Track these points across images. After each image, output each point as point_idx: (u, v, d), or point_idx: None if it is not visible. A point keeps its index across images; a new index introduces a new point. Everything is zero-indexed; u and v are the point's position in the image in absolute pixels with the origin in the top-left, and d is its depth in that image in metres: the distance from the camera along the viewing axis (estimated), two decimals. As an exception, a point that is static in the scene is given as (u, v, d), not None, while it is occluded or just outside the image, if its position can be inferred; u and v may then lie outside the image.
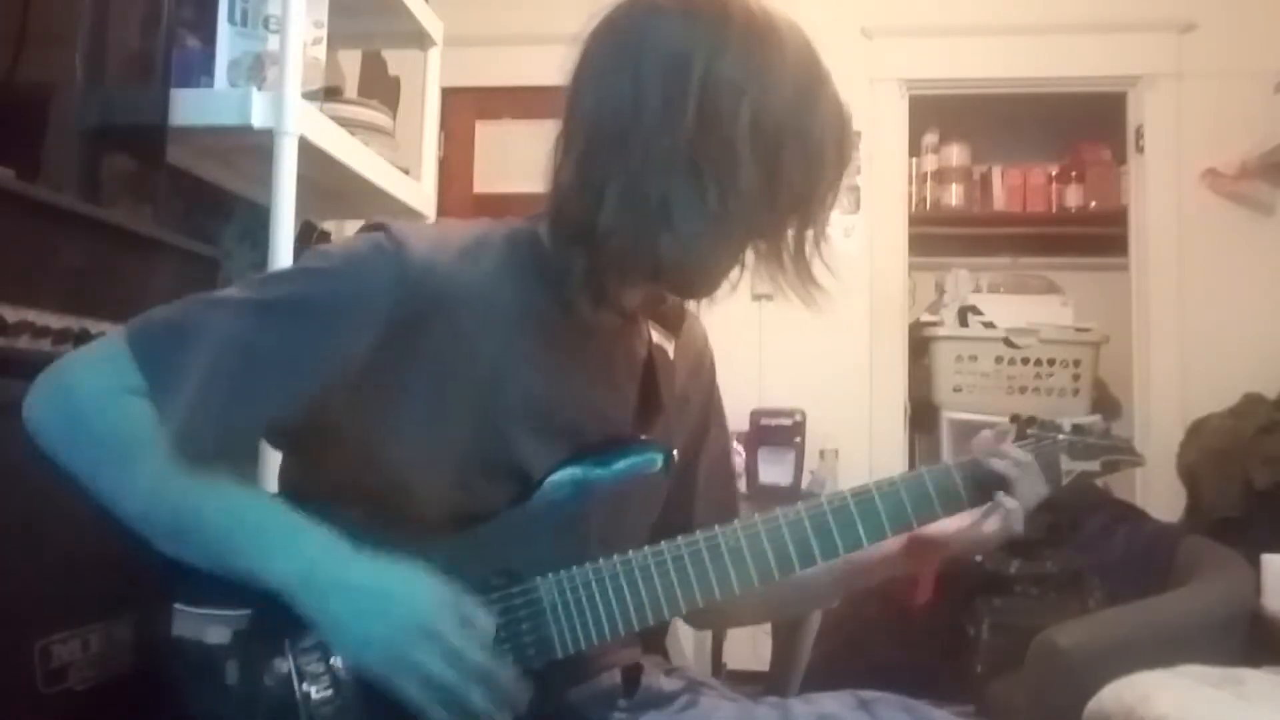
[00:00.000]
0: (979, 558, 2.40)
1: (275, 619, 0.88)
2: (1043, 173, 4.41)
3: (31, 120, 1.30)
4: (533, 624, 0.94)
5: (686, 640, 2.42)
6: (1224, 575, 2.24)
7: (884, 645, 2.10)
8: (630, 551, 0.97)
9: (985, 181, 4.45)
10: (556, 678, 0.96)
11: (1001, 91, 3.73)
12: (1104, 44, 3.45)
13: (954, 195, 4.38)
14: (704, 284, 0.99)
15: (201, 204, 1.76)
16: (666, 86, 0.89)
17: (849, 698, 0.99)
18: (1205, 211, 3.34)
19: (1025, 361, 3.36)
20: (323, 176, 1.67)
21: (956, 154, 4.39)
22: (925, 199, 4.38)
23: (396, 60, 2.47)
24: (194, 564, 0.88)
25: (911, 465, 2.72)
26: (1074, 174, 4.33)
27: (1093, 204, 4.27)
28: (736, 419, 3.33)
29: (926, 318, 3.57)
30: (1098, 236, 4.04)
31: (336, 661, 0.89)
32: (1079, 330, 3.41)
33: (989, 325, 3.41)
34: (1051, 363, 3.36)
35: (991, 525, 1.05)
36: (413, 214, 2.02)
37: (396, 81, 2.49)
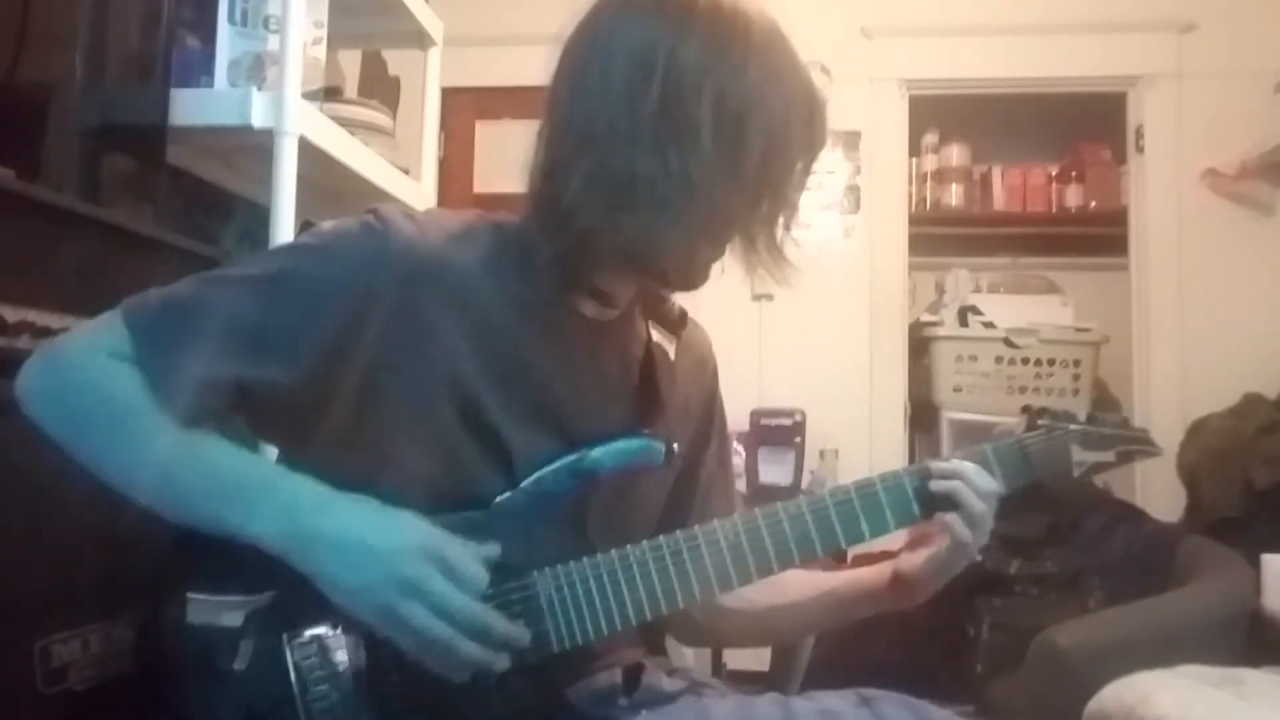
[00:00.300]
0: (979, 557, 2.40)
1: (284, 602, 0.89)
2: (1043, 173, 4.41)
3: (31, 120, 1.30)
4: (529, 619, 0.94)
5: (686, 640, 2.42)
6: (1224, 575, 2.24)
7: (884, 645, 2.10)
8: (629, 547, 0.97)
9: (985, 181, 4.45)
10: (555, 674, 0.96)
11: (1001, 91, 3.73)
12: (1104, 44, 3.45)
13: (954, 195, 4.38)
14: (677, 269, 0.99)
15: (201, 204, 1.76)
16: (631, 71, 0.92)
17: (851, 695, 0.99)
18: (1205, 211, 3.34)
19: (1025, 361, 3.36)
20: (323, 176, 1.67)
21: (956, 154, 4.39)
22: (925, 199, 4.38)
23: (396, 60, 2.47)
24: (184, 523, 0.89)
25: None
26: (1074, 174, 4.33)
27: (1093, 204, 4.27)
28: (736, 419, 3.34)
29: (926, 318, 3.57)
30: (1098, 236, 4.05)
31: (337, 652, 0.89)
32: (1079, 330, 3.41)
33: (989, 325, 3.42)
34: (1051, 363, 3.37)
35: (944, 545, 1.03)
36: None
37: (396, 81, 2.49)
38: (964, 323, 3.45)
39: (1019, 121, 4.25)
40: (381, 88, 2.33)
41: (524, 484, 0.97)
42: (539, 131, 0.98)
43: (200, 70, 1.50)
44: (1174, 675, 1.78)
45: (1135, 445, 1.13)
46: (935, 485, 1.02)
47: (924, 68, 3.57)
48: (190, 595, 0.91)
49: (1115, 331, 3.45)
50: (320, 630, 0.90)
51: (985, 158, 4.45)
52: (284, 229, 1.44)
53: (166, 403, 0.89)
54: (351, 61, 2.35)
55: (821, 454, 3.23)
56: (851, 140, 3.49)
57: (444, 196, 2.84)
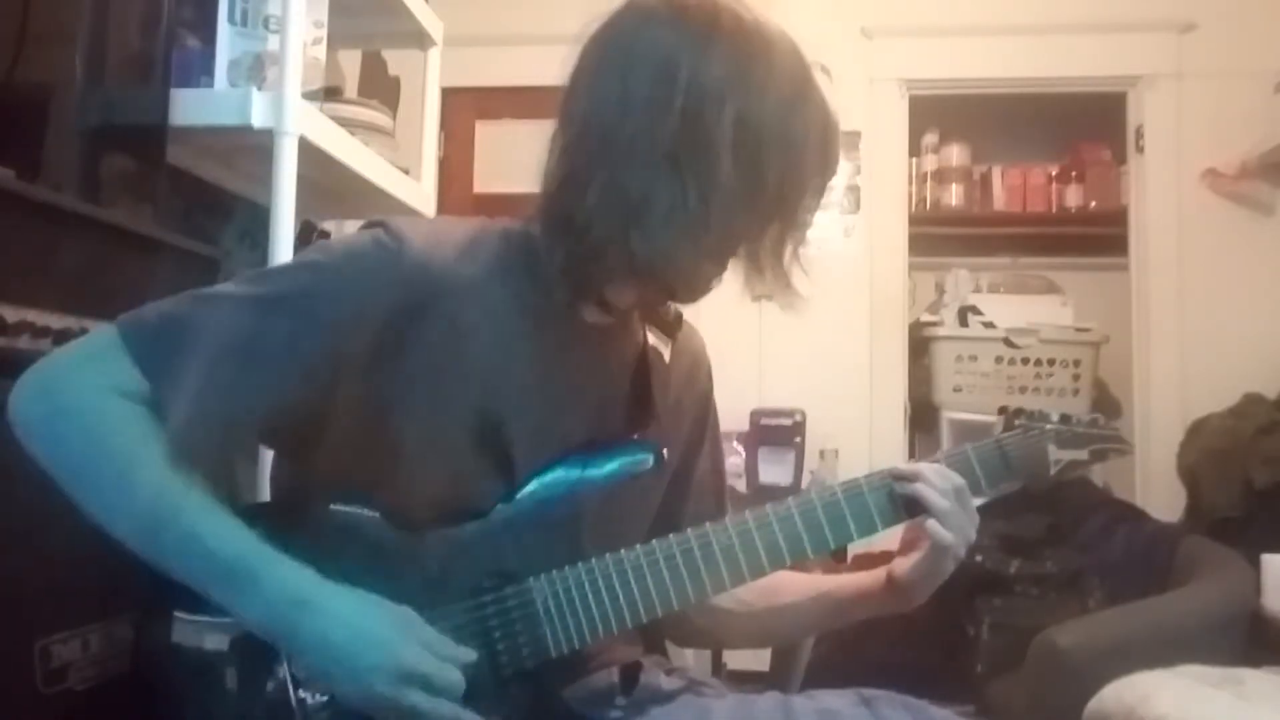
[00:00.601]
0: (979, 557, 2.40)
1: None
2: (1043, 173, 4.41)
3: (31, 120, 1.30)
4: (526, 624, 0.94)
5: (686, 640, 2.42)
6: (1224, 575, 2.24)
7: (884, 645, 2.10)
8: (623, 551, 0.97)
9: (985, 181, 4.45)
10: (552, 677, 0.96)
11: (1001, 91, 3.73)
12: (1104, 44, 3.45)
13: (954, 195, 4.38)
14: (683, 285, 0.99)
15: (201, 204, 1.76)
16: (653, 87, 0.91)
17: (851, 695, 1.00)
18: (1205, 211, 3.34)
19: (1025, 361, 3.36)
20: (323, 176, 1.67)
21: (956, 154, 4.39)
22: (925, 199, 4.38)
23: (396, 60, 2.47)
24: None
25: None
26: (1074, 174, 4.33)
27: (1093, 204, 4.27)
28: (737, 419, 3.36)
29: (926, 318, 3.57)
30: (1098, 236, 4.04)
31: None
32: (1079, 330, 3.41)
33: (989, 325, 3.42)
34: (1051, 363, 3.37)
35: (924, 549, 1.04)
36: (413, 214, 2.02)
37: (396, 81, 2.49)
38: (964, 323, 3.45)
39: (1019, 121, 4.25)
40: (381, 88, 2.33)
41: (521, 492, 0.97)
42: (553, 136, 0.97)
43: (200, 70, 1.50)
44: (1174, 675, 1.78)
45: (1107, 444, 1.16)
46: (898, 488, 1.03)
47: (924, 68, 3.56)
48: (176, 614, 0.90)
49: (1115, 331, 3.45)
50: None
51: (985, 158, 4.45)
52: (284, 229, 1.44)
53: (186, 442, 0.87)
54: (351, 61, 2.35)
55: (821, 454, 3.23)
56: (851, 140, 3.49)
57: (444, 196, 2.84)
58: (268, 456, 1.10)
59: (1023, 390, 3.34)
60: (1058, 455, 1.12)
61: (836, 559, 1.07)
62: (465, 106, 3.55)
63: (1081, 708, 1.79)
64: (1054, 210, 4.38)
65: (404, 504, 0.94)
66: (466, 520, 0.96)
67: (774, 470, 3.15)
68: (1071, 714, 1.80)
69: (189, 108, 1.47)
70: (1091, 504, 2.64)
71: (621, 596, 0.96)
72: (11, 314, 1.05)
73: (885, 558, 1.10)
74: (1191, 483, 2.79)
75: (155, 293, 1.12)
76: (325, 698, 0.89)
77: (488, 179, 3.63)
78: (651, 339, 1.09)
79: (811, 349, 3.39)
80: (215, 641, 0.90)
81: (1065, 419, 1.14)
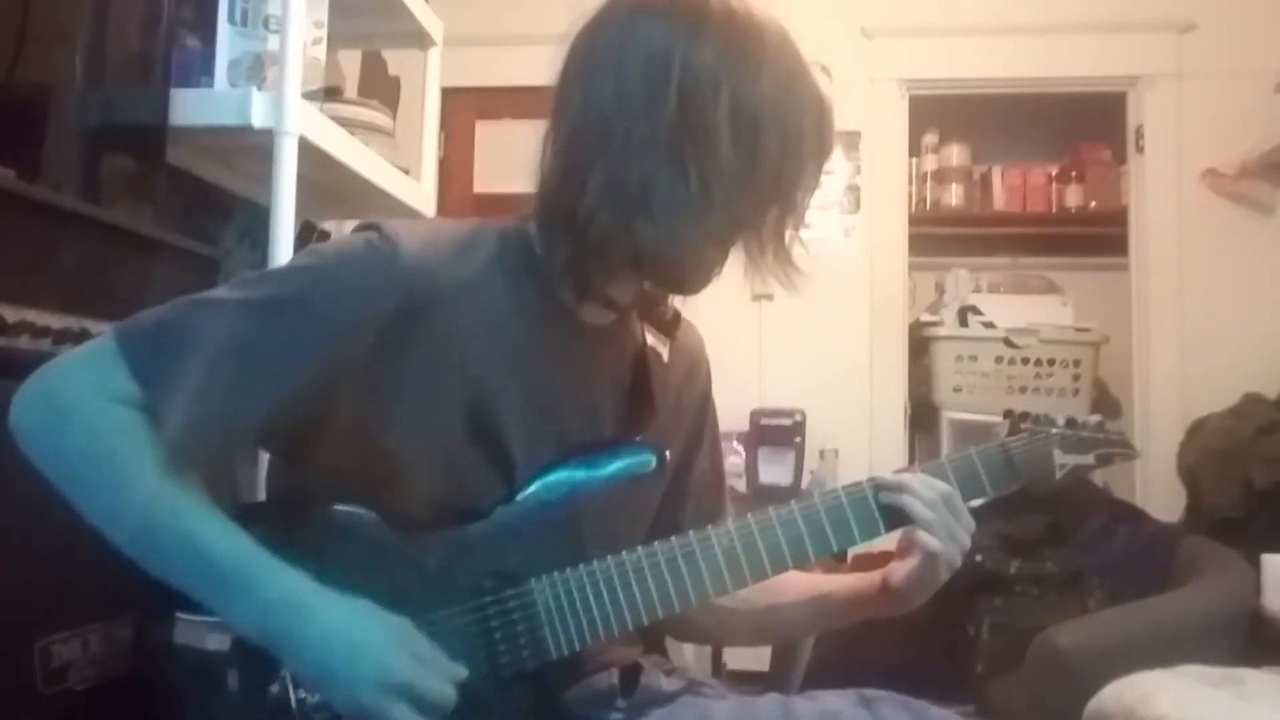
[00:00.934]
0: (979, 557, 2.40)
1: None
2: (1043, 173, 4.40)
3: (31, 120, 1.30)
4: (527, 626, 0.94)
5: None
6: (1224, 575, 2.24)
7: (884, 645, 2.10)
8: (624, 553, 0.97)
9: (985, 181, 4.45)
10: (553, 678, 0.96)
11: (1001, 91, 3.73)
12: (1104, 44, 3.45)
13: (954, 195, 4.38)
14: (687, 276, 0.99)
15: (201, 204, 1.76)
16: (647, 77, 0.91)
17: (852, 695, 1.00)
18: (1205, 211, 3.34)
19: (1025, 361, 3.36)
20: (323, 176, 1.67)
21: (956, 154, 4.39)
22: (925, 199, 4.38)
23: (396, 60, 2.47)
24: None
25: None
26: (1074, 174, 4.33)
27: (1093, 204, 4.26)
28: (737, 419, 3.36)
29: (926, 318, 3.57)
30: (1098, 236, 4.04)
31: None
32: (1079, 330, 3.41)
33: (989, 325, 3.41)
34: (1051, 363, 3.37)
35: (915, 560, 1.04)
36: (413, 214, 2.02)
37: (396, 81, 2.49)
38: (964, 323, 3.45)
39: (1019, 121, 4.25)
40: (381, 88, 2.33)
41: (521, 494, 0.97)
42: (546, 135, 0.97)
43: (200, 70, 1.50)
44: (1174, 675, 1.78)
45: (1113, 448, 1.16)
46: (883, 499, 1.03)
47: (924, 68, 3.56)
48: (179, 615, 0.91)
49: (1115, 331, 3.45)
50: None
51: (985, 158, 4.45)
52: (284, 229, 1.44)
53: (183, 447, 0.87)
54: (351, 61, 2.35)
55: (821, 454, 3.23)
56: (851, 140, 3.49)
57: (444, 196, 2.84)
58: (268, 456, 1.10)
59: (1023, 390, 3.34)
60: (1063, 460, 1.11)
61: (836, 559, 1.07)
62: (465, 106, 3.55)
63: (1081, 708, 1.79)
64: (1054, 210, 4.38)
65: (403, 505, 0.94)
66: (467, 521, 0.96)
67: (774, 470, 3.14)
68: (1071, 714, 1.80)
69: (189, 108, 1.47)
70: (1091, 504, 2.64)
71: (622, 598, 0.96)
72: (11, 314, 1.05)
73: (885, 558, 1.10)
74: (1191, 483, 2.79)
75: (155, 292, 1.11)
76: (324, 699, 0.89)
77: (488, 179, 3.63)
78: (650, 339, 1.09)
79: (811, 349, 3.40)
80: (217, 642, 0.90)
81: (1071, 423, 1.14)
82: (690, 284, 1.00)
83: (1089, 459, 1.13)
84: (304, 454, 0.98)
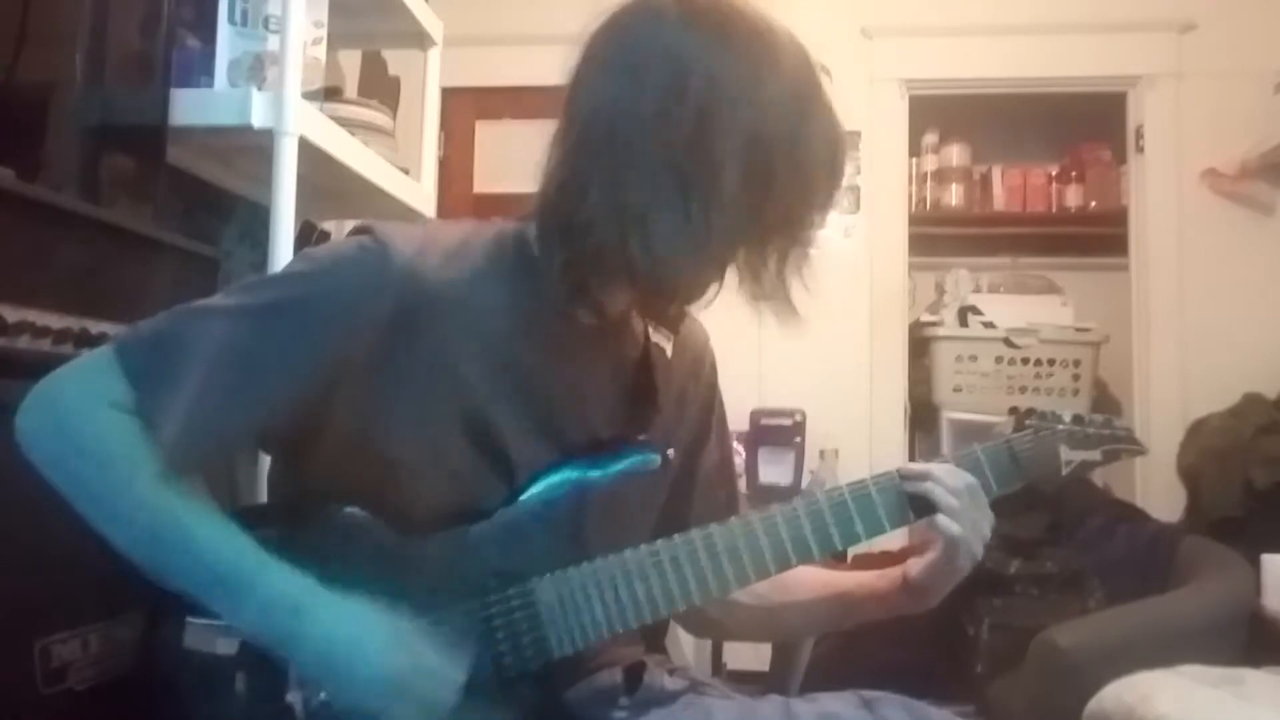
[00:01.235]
0: (981, 555, 2.40)
1: None
2: (1043, 173, 4.40)
3: (31, 120, 1.30)
4: (530, 625, 0.94)
5: (686, 640, 2.42)
6: (1224, 575, 2.24)
7: (884, 645, 2.10)
8: (627, 551, 0.97)
9: (985, 181, 4.45)
10: (556, 677, 0.96)
11: (1001, 91, 3.73)
12: (1104, 44, 3.45)
13: (954, 195, 4.38)
14: (681, 294, 0.98)
15: (201, 204, 1.76)
16: (664, 93, 0.89)
17: (852, 697, 0.99)
18: (1205, 211, 3.34)
19: (1025, 361, 3.36)
20: (323, 176, 1.67)
21: (956, 154, 4.39)
22: (925, 199, 4.38)
23: (396, 60, 2.47)
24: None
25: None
26: (1074, 174, 4.32)
27: (1093, 204, 4.26)
28: (736, 419, 3.33)
29: (926, 318, 3.57)
30: (1098, 236, 4.04)
31: None
32: (1079, 330, 3.41)
33: (989, 325, 3.41)
34: (1051, 363, 3.36)
35: (937, 548, 1.04)
36: (413, 214, 2.02)
37: (396, 81, 2.49)
38: (964, 323, 3.45)
39: (1019, 121, 4.25)
40: (381, 88, 2.33)
41: (523, 495, 0.97)
42: (555, 135, 0.96)
43: (200, 70, 1.50)
44: (1174, 675, 1.78)
45: (1120, 444, 1.15)
46: (908, 487, 1.03)
47: (924, 68, 3.56)
48: (189, 619, 0.91)
49: (1115, 331, 3.45)
50: None
51: (985, 158, 4.45)
52: (284, 229, 1.44)
53: (177, 452, 0.88)
54: (351, 61, 2.35)
55: (821, 454, 3.22)
56: (851, 140, 3.47)
57: (444, 196, 2.84)
58: (269, 458, 1.10)
59: (1023, 390, 3.33)
60: (1069, 456, 1.11)
61: (836, 557, 1.07)
62: (465, 106, 3.55)
63: (1081, 708, 1.79)
64: (1054, 210, 4.38)
65: (404, 507, 0.94)
66: (469, 521, 0.95)
67: (774, 470, 3.14)
68: (1071, 714, 1.79)
69: (189, 108, 1.47)
70: (1091, 504, 2.64)
71: (625, 597, 0.96)
72: (11, 314, 1.05)
73: (884, 558, 1.10)
74: (1191, 483, 2.79)
75: (155, 293, 1.12)
76: (327, 700, 0.89)
77: (488, 179, 3.63)
78: (653, 335, 1.08)
79: (811, 349, 3.39)
80: (225, 646, 0.91)
81: (1078, 419, 1.13)
82: (684, 300, 1.00)
83: (1096, 455, 1.12)
84: (303, 457, 0.98)
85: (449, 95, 2.60)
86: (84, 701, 1.07)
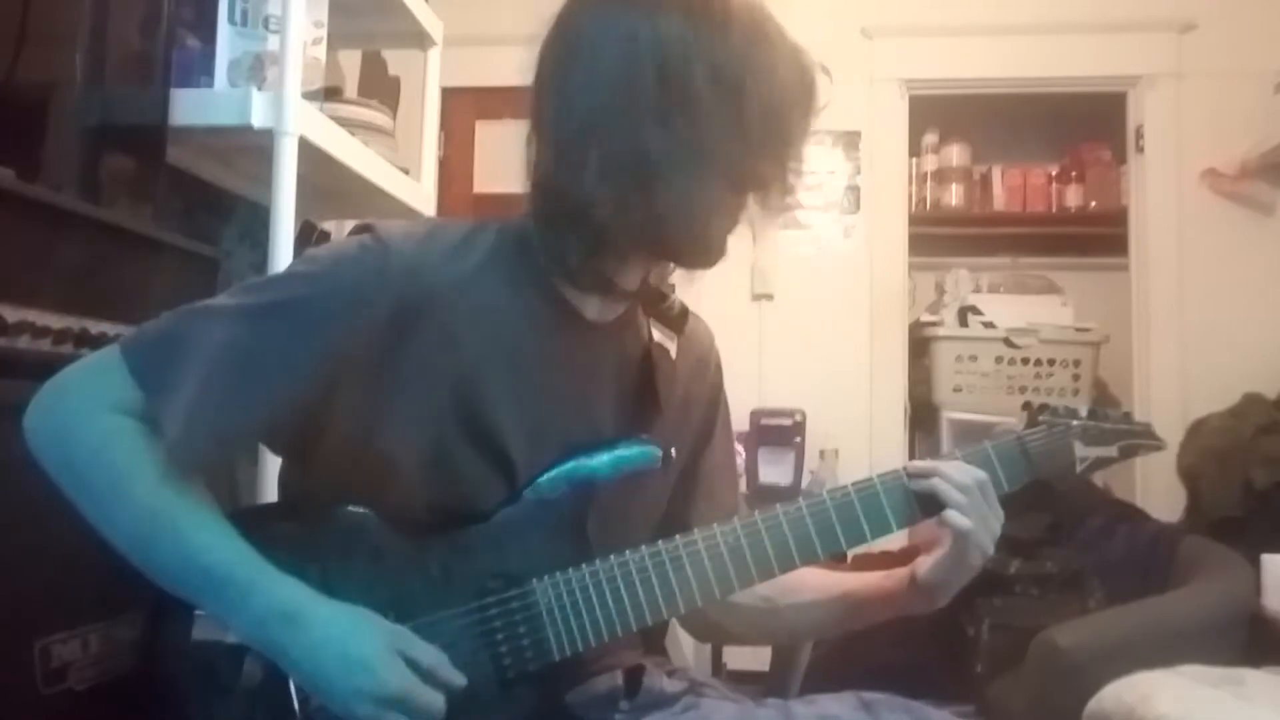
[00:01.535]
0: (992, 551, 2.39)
1: None
2: (1043, 173, 4.41)
3: (31, 120, 1.30)
4: (530, 626, 0.94)
5: (686, 641, 2.41)
6: (1224, 575, 2.24)
7: (884, 645, 2.09)
8: (628, 552, 0.97)
9: (985, 181, 4.45)
10: (556, 679, 0.96)
11: (1001, 91, 3.73)
12: (1104, 44, 3.45)
13: (954, 195, 4.38)
14: (699, 243, 0.98)
15: (201, 204, 1.76)
16: (622, 59, 0.92)
17: (851, 699, 0.99)
18: (1205, 211, 3.34)
19: (1025, 361, 3.36)
20: (323, 176, 1.67)
21: (956, 154, 4.39)
22: (925, 199, 4.38)
23: (396, 60, 2.47)
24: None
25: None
26: (1074, 174, 4.33)
27: (1093, 204, 4.27)
28: (736, 419, 3.33)
29: (926, 318, 3.57)
30: (1098, 236, 4.04)
31: None
32: (1079, 330, 3.41)
33: (989, 325, 3.41)
34: (1051, 363, 3.37)
35: (946, 546, 1.03)
36: (413, 214, 2.02)
37: (396, 81, 2.49)
38: (964, 323, 3.45)
39: (1019, 121, 4.25)
40: (381, 88, 2.33)
41: (524, 493, 0.97)
42: (530, 134, 0.98)
43: (200, 70, 1.50)
44: (1174, 675, 1.78)
45: (1138, 439, 1.13)
46: (915, 485, 1.02)
47: (924, 68, 3.56)
48: (198, 612, 0.91)
49: (1115, 331, 3.45)
50: None
51: (985, 158, 4.45)
52: (284, 229, 1.44)
53: (182, 451, 0.88)
54: (351, 61, 2.35)
55: (821, 454, 3.23)
56: (851, 140, 3.49)
57: (444, 196, 2.84)
58: (269, 457, 1.10)
59: (1022, 390, 3.33)
60: (1084, 452, 1.08)
61: (838, 558, 1.06)
62: (465, 106, 3.55)
63: (1081, 708, 1.79)
64: (1054, 210, 4.38)
65: (405, 507, 0.94)
66: (469, 522, 0.95)
67: (774, 470, 3.14)
68: (1071, 714, 1.79)
69: (189, 108, 1.47)
70: (1091, 504, 2.64)
71: (626, 598, 0.96)
72: (11, 314, 1.05)
73: (884, 558, 1.10)
74: (1191, 483, 2.79)
75: (155, 293, 1.12)
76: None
77: (488, 179, 3.63)
78: (657, 335, 1.08)
79: (811, 349, 3.40)
80: (234, 637, 0.91)
81: (1094, 414, 1.10)
82: (701, 257, 0.99)
83: (1112, 451, 1.10)
84: (307, 456, 0.99)
85: (449, 95, 2.60)
86: (84, 701, 1.07)
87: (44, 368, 0.93)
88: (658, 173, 0.91)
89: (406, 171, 2.03)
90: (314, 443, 0.96)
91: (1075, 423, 1.09)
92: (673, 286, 1.10)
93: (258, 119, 1.44)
